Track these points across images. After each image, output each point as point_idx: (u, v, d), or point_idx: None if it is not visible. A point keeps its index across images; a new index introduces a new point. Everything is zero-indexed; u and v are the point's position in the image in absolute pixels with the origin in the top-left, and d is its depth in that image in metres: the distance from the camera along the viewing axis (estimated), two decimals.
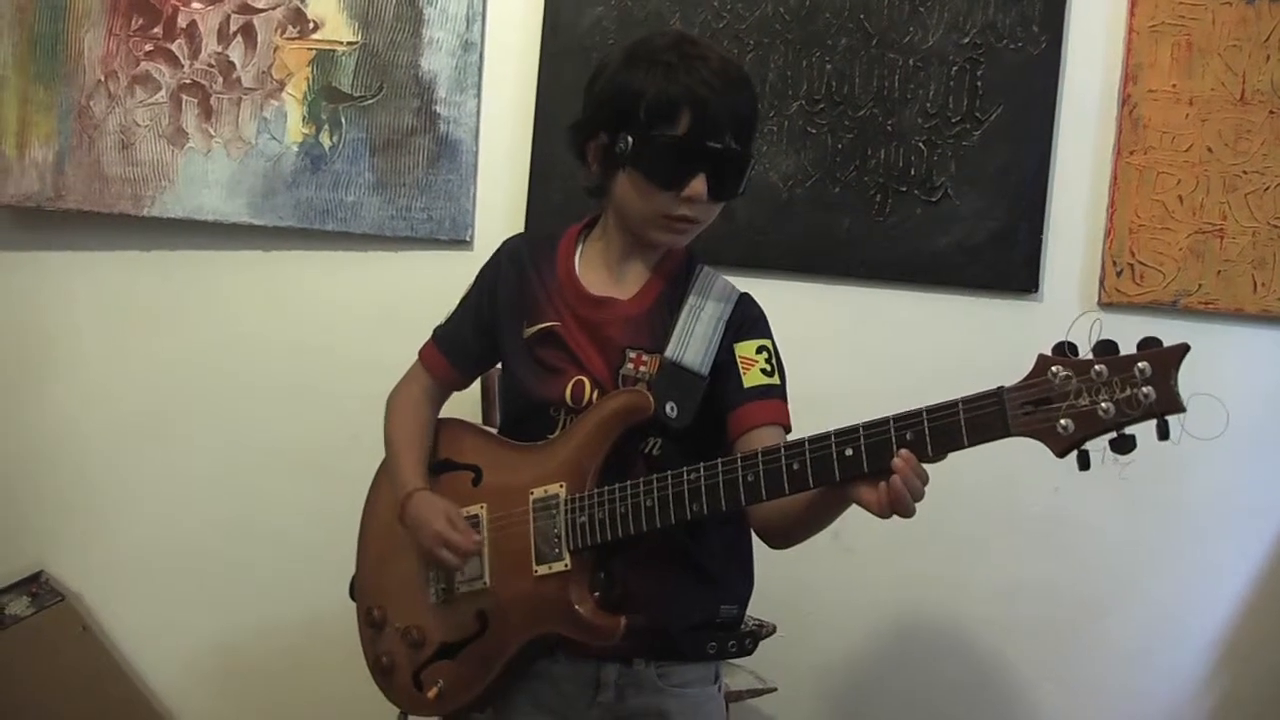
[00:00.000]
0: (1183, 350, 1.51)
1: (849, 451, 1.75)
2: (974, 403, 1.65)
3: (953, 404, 1.66)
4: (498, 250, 2.30)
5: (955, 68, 3.17)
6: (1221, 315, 3.16)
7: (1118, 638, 3.24)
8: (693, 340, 2.07)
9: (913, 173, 3.19)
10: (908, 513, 1.73)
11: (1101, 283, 3.17)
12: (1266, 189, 3.13)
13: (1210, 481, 3.19)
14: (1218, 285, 3.15)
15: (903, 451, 1.70)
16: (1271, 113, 3.13)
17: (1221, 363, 3.11)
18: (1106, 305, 3.15)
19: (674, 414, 2.00)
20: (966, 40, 3.17)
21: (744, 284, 2.21)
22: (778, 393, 2.10)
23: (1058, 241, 3.21)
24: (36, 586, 3.28)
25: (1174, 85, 3.14)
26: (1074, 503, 3.18)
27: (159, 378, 3.35)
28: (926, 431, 1.68)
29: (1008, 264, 3.19)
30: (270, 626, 3.34)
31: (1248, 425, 3.04)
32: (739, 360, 2.09)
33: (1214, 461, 3.13)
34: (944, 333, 3.21)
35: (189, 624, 3.35)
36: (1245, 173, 3.14)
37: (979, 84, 3.17)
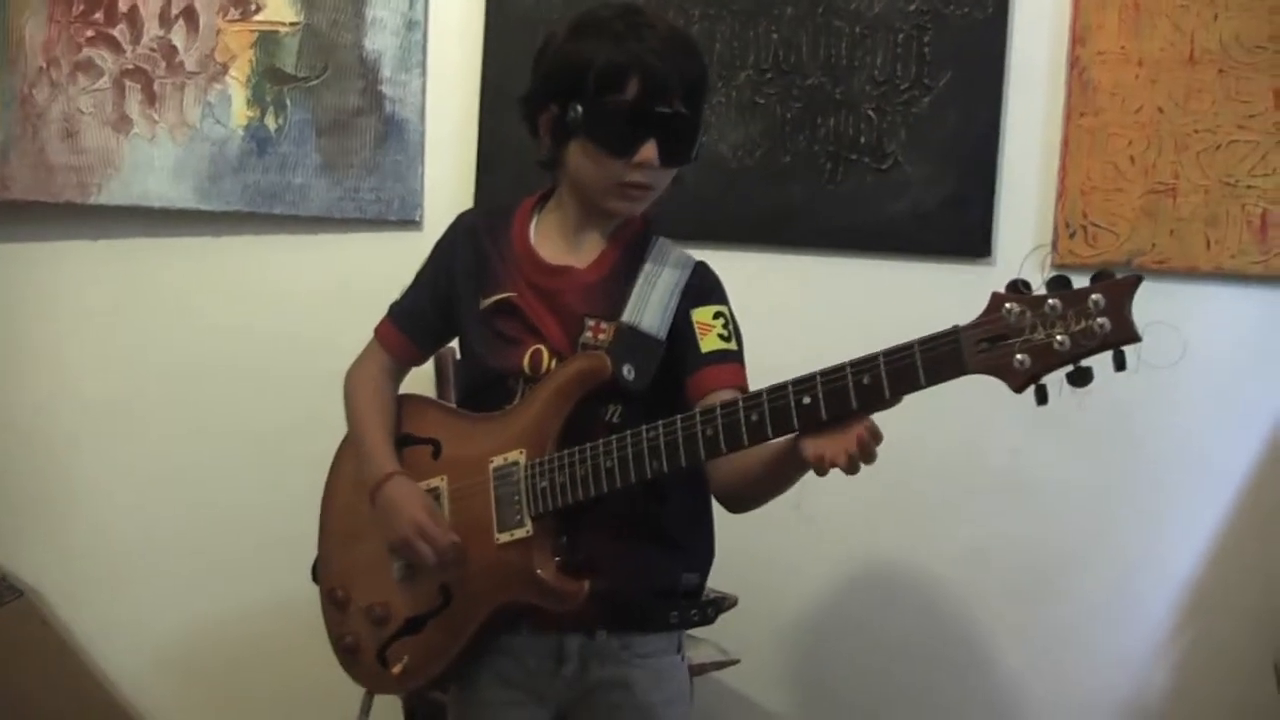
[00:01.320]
0: (1135, 281, 1.51)
1: (807, 400, 1.74)
2: (930, 343, 1.64)
3: (909, 345, 1.66)
4: (452, 224, 2.28)
5: (903, 35, 3.16)
6: (1175, 274, 3.15)
7: (1084, 592, 3.24)
8: (649, 306, 2.06)
9: (863, 141, 3.18)
10: (852, 471, 1.74)
11: (1054, 245, 3.16)
12: (1218, 147, 3.13)
13: (1171, 433, 3.20)
14: (1171, 244, 3.15)
15: (868, 422, 1.71)
16: (1221, 71, 3.12)
17: (1177, 321, 3.08)
18: (1060, 267, 3.12)
19: (632, 376, 1.99)
20: (913, 7, 3.16)
21: (696, 256, 2.20)
22: (735, 357, 2.10)
23: (1010, 205, 3.20)
24: None
25: (1123, 46, 3.14)
26: (1034, 461, 3.18)
27: (113, 368, 3.32)
28: (884, 374, 1.67)
29: (960, 229, 3.18)
30: (234, 614, 3.32)
31: (1205, 380, 3.09)
32: (696, 326, 2.08)
33: (1174, 413, 3.16)
34: (898, 300, 3.19)
35: (152, 615, 3.33)
36: (1196, 131, 3.13)
37: (927, 50, 3.16)
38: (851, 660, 3.29)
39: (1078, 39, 3.15)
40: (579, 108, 2.00)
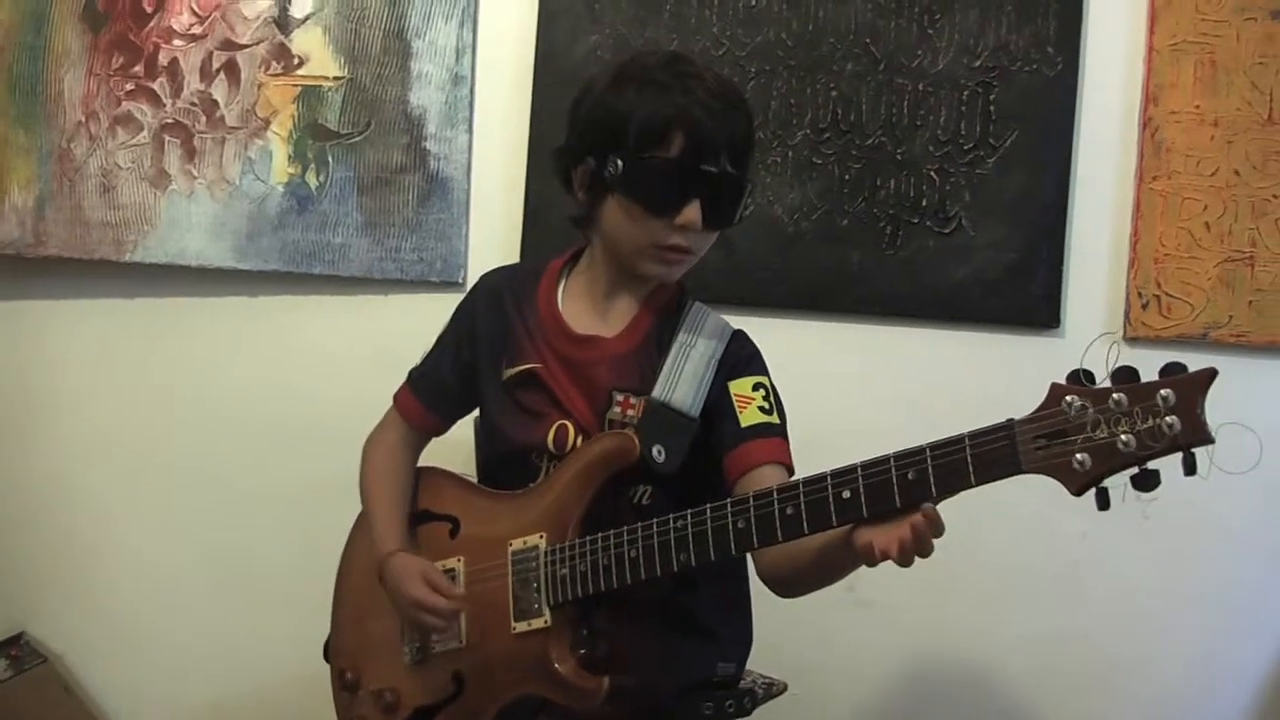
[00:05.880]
0: (1210, 375, 1.37)
1: (846, 494, 1.61)
2: (982, 437, 1.51)
3: (959, 439, 1.52)
4: (475, 286, 2.19)
5: (967, 92, 3.03)
6: (1254, 349, 2.99)
7: (1153, 690, 3.06)
8: (682, 380, 1.95)
9: (924, 203, 3.04)
10: (904, 564, 1.59)
11: (1126, 315, 3.01)
12: None
13: (1248, 525, 3.02)
14: (1249, 316, 2.99)
15: (926, 507, 1.56)
16: None
17: (1255, 399, 2.93)
18: (1132, 339, 2.99)
19: (661, 458, 1.87)
20: (978, 63, 3.03)
21: (748, 323, 2.11)
22: (778, 431, 1.98)
23: (1079, 273, 3.06)
24: (17, 648, 3.17)
25: (1197, 106, 2.99)
26: (1103, 549, 3.01)
27: (144, 429, 3.24)
28: (930, 470, 1.54)
29: (1027, 298, 3.04)
30: (263, 685, 3.21)
31: None
32: (734, 399, 1.97)
33: (1251, 503, 2.96)
34: (961, 371, 3.06)
35: (177, 685, 3.23)
36: (1275, 196, 2.97)
37: (992, 109, 3.02)
38: None
39: (1150, 98, 3.01)
40: (618, 162, 1.90)
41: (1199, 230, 3.00)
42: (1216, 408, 1.39)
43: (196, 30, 3.11)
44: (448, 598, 1.97)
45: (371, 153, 3.12)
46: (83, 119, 3.12)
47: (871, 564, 1.63)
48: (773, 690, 2.63)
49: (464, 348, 2.14)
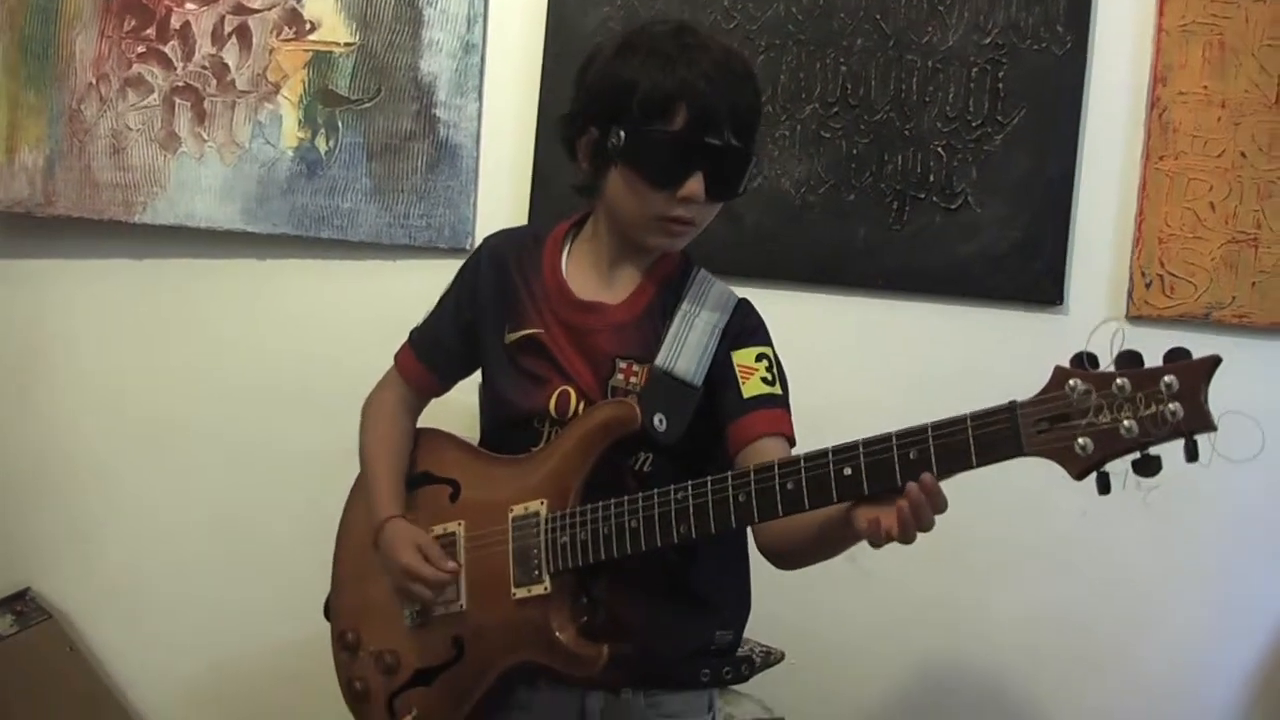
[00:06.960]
0: (1214, 362, 1.39)
1: (847, 470, 1.62)
2: (984, 419, 1.52)
3: (961, 420, 1.54)
4: (478, 248, 2.19)
5: (976, 69, 3.04)
6: (1256, 330, 3.02)
7: (1147, 669, 3.10)
8: (685, 349, 1.95)
9: (931, 179, 3.06)
10: (907, 540, 1.61)
11: (1129, 294, 3.03)
12: None
13: (1246, 506, 3.05)
14: (1252, 298, 3.01)
15: (926, 476, 1.57)
16: None
17: (1256, 380, 2.95)
18: (1135, 318, 3.02)
19: (663, 427, 1.88)
20: (988, 40, 3.04)
21: (754, 295, 2.10)
22: (780, 402, 1.98)
23: (1083, 251, 3.08)
24: (22, 604, 3.17)
25: (1205, 87, 3.01)
26: (1102, 526, 3.03)
27: (151, 389, 3.25)
28: (932, 450, 1.55)
29: (1031, 275, 3.06)
30: (266, 647, 3.23)
31: None
32: (737, 369, 1.97)
33: (1250, 484, 2.99)
34: (964, 346, 3.08)
35: (182, 644, 3.24)
36: None
37: (1001, 86, 3.04)
38: None
39: (1159, 78, 3.02)
40: (621, 133, 1.90)
41: (1204, 211, 3.02)
42: (1218, 390, 1.41)
43: None
44: (439, 568, 1.98)
45: (381, 119, 3.12)
46: (93, 81, 3.12)
47: (876, 543, 1.63)
48: (770, 658, 2.66)
49: (465, 309, 2.15)
